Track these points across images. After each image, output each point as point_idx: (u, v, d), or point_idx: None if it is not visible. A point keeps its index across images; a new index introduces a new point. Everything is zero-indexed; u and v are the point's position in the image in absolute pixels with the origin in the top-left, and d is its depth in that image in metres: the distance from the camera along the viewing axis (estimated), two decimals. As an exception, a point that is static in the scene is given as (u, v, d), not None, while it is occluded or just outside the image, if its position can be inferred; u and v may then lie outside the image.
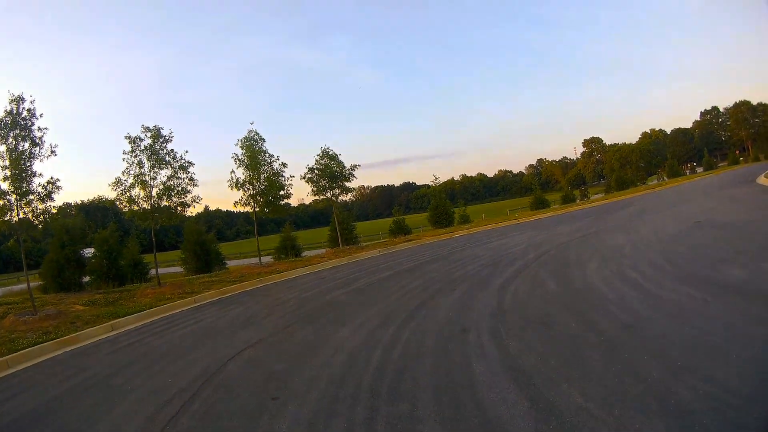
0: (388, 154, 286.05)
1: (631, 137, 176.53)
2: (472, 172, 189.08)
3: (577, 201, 49.07)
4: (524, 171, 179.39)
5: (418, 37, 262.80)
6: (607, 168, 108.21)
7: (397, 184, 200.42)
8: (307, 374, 5.85)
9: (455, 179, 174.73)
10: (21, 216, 12.81)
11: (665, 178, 69.74)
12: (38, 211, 13.05)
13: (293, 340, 7.77)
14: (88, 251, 26.36)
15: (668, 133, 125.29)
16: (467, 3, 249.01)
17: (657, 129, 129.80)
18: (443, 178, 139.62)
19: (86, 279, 21.23)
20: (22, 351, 9.45)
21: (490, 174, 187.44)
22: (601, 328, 5.99)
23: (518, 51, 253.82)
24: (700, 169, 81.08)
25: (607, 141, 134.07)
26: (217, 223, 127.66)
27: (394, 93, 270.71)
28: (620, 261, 10.47)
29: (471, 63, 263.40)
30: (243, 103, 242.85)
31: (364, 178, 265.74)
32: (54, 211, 13.67)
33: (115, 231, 25.43)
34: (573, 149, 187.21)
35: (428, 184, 42.96)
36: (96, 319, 12.12)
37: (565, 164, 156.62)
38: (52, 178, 13.33)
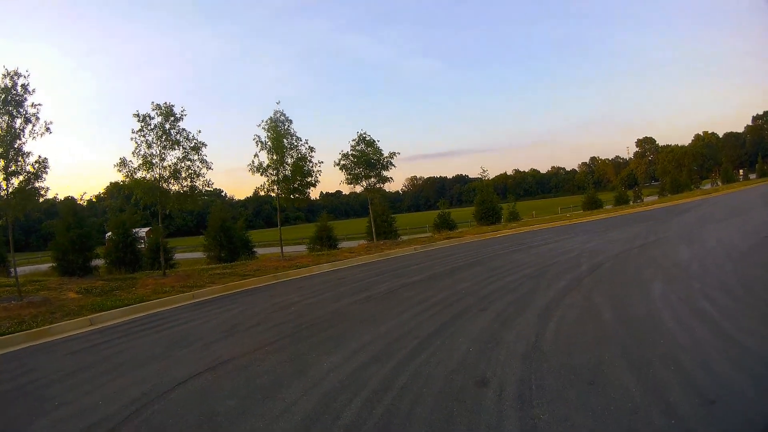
0: (442, 145, 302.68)
1: (682, 139, 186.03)
2: (525, 167, 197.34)
3: (630, 203, 49.69)
4: (577, 168, 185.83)
5: (473, 30, 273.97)
6: (659, 169, 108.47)
7: (449, 176, 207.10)
8: (250, 426, 4.98)
9: (507, 174, 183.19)
10: (7, 196, 12.83)
11: (719, 183, 72.32)
12: (27, 191, 13.09)
13: (264, 367, 6.91)
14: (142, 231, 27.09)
15: (720, 136, 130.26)
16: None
17: (709, 132, 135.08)
18: (496, 173, 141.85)
19: (99, 263, 21.65)
20: (-14, 341, 9.42)
21: (543, 170, 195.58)
22: (673, 400, 4.61)
23: (572, 46, 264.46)
24: (753, 176, 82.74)
25: (660, 142, 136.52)
26: (265, 208, 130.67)
27: (449, 84, 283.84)
28: (688, 283, 9.62)
29: (526, 57, 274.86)
30: (289, 90, 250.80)
31: (417, 169, 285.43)
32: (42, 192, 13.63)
33: (134, 214, 25.95)
34: (626, 149, 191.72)
35: (480, 177, 42.30)
36: (79, 310, 12.00)
37: (617, 163, 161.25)
38: (40, 157, 13.33)
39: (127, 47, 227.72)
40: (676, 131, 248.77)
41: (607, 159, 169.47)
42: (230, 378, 6.60)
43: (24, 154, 13.03)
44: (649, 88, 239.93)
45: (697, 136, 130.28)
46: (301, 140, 22.28)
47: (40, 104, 13.31)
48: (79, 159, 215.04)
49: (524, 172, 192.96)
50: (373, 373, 6.10)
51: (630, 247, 15.74)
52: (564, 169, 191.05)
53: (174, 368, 7.23)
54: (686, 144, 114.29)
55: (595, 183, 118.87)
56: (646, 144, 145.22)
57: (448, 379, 5.67)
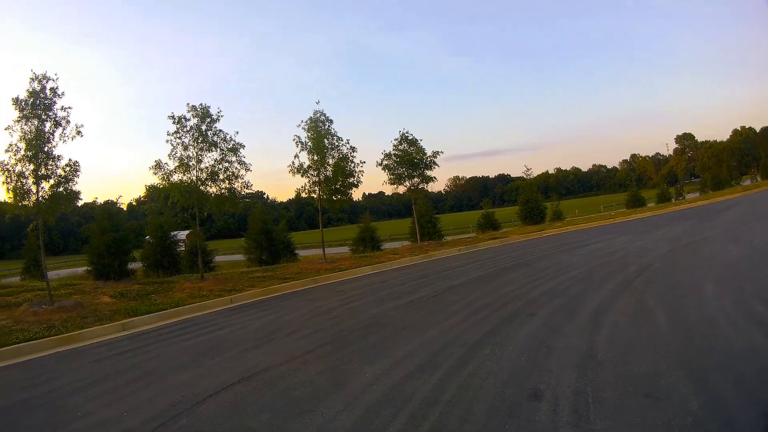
0: (484, 144, 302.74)
1: (721, 134, 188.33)
2: (566, 166, 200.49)
3: (673, 200, 50.94)
4: (618, 166, 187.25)
5: (512, 27, 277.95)
6: (699, 166, 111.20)
7: (492, 175, 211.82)
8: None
9: (549, 172, 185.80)
10: (39, 200, 12.96)
11: (758, 178, 73.70)
12: (57, 195, 13.20)
13: (301, 378, 6.54)
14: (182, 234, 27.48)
15: (757, 131, 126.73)
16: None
17: (747, 127, 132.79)
18: (537, 171, 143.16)
19: (136, 266, 21.85)
20: (11, 347, 9.52)
21: (585, 168, 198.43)
22: (735, 416, 4.32)
23: (611, 42, 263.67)
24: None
25: (699, 137, 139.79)
26: (308, 210, 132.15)
27: (489, 82, 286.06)
28: (740, 285, 9.47)
29: (567, 53, 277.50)
30: (328, 90, 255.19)
31: (460, 169, 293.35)
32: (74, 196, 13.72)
33: (174, 216, 26.25)
34: (665, 145, 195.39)
35: (522, 177, 42.24)
36: (113, 315, 11.98)
37: (657, 160, 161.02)
38: (70, 160, 13.49)
39: (163, 53, 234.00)
40: (715, 127, 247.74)
41: (647, 156, 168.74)
42: (265, 389, 6.25)
43: (54, 157, 13.15)
44: (687, 83, 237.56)
45: (735, 131, 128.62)
46: (342, 140, 22.20)
47: (70, 107, 13.49)
48: (121, 162, 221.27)
49: (566, 170, 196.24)
50: (418, 386, 5.73)
51: (676, 247, 15.79)
52: (605, 167, 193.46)
53: (206, 378, 6.95)
54: (725, 140, 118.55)
55: (636, 180, 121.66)
56: (685, 140, 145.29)
57: (498, 391, 5.31)
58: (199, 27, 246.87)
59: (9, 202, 12.83)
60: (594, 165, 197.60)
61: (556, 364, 6.01)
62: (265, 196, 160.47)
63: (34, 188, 12.86)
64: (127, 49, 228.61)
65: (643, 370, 5.53)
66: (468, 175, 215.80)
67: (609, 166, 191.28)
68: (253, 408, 5.64)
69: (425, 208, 30.69)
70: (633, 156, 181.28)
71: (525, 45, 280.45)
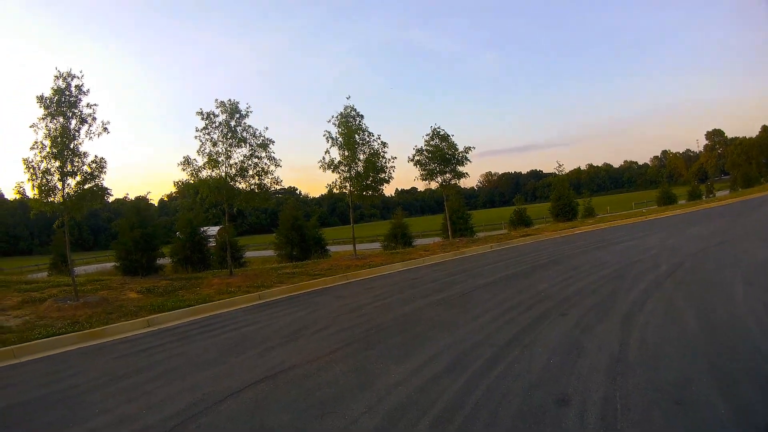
0: (516, 140, 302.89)
1: (750, 130, 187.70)
2: (598, 162, 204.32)
3: (703, 197, 51.94)
4: (649, 162, 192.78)
5: (543, 22, 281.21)
6: (729, 163, 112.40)
7: (524, 171, 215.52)
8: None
9: (581, 168, 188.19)
10: (65, 197, 13.13)
11: None
12: (84, 191, 13.37)
13: (326, 377, 6.47)
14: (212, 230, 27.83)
15: None
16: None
17: None
18: (569, 167, 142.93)
19: (166, 261, 22.10)
20: (35, 341, 9.63)
21: (616, 164, 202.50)
22: (764, 423, 4.35)
23: (643, 36, 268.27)
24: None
25: (729, 133, 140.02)
26: (340, 205, 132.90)
27: (520, 78, 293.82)
28: None
29: (597, 49, 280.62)
30: (355, 87, 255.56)
31: (492, 165, 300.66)
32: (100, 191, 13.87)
33: (205, 212, 26.46)
34: (695, 141, 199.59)
35: (554, 173, 42.17)
36: (138, 310, 12.05)
37: (688, 157, 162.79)
38: (96, 157, 13.64)
39: (192, 50, 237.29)
40: (746, 122, 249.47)
41: (678, 152, 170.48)
42: (288, 389, 6.17)
43: (80, 154, 13.32)
44: (718, 78, 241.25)
45: (764, 127, 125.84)
46: (373, 135, 21.99)
47: (95, 104, 13.65)
48: (154, 159, 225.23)
49: (597, 166, 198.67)
50: (444, 387, 5.71)
51: (707, 246, 15.91)
52: (636, 163, 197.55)
53: (229, 376, 6.91)
54: (754, 136, 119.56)
55: (667, 177, 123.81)
56: (715, 136, 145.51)
57: (526, 396, 5.28)
58: (231, 25, 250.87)
59: (35, 198, 12.97)
60: (625, 161, 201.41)
61: (585, 367, 5.98)
62: (297, 191, 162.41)
63: (59, 185, 13.05)
64: (158, 47, 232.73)
65: (672, 375, 5.51)
66: (500, 171, 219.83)
67: (640, 162, 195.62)
68: (275, 408, 5.57)
69: (457, 204, 30.78)
70: (664, 152, 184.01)
71: (556, 40, 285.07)
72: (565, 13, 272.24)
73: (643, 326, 7.56)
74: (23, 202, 13.61)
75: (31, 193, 13.09)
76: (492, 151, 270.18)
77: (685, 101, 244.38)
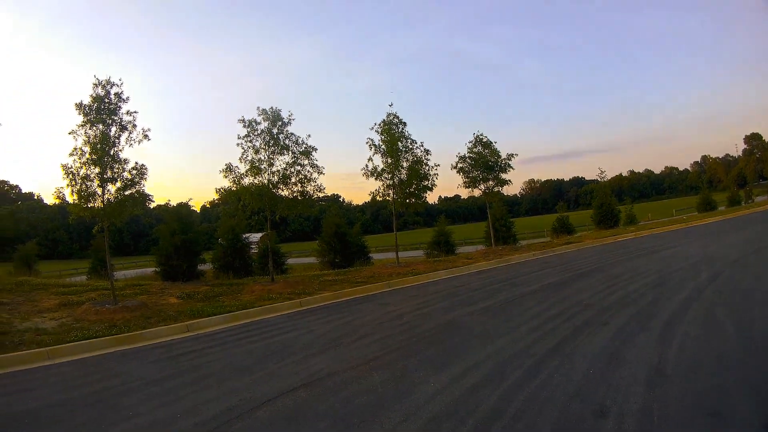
0: (558, 147, 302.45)
1: None
2: (639, 168, 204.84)
3: (742, 203, 52.79)
4: (689, 168, 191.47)
5: (584, 28, 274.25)
6: (767, 167, 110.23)
7: (566, 178, 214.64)
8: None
9: (623, 175, 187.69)
10: (105, 202, 13.40)
11: None
12: (125, 197, 13.62)
13: (365, 385, 6.40)
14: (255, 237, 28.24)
15: None
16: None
17: None
18: (611, 174, 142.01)
19: (207, 267, 22.38)
20: (71, 344, 9.78)
21: (657, 170, 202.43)
22: None
23: (682, 41, 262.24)
24: None
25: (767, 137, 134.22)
26: (383, 213, 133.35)
27: (562, 84, 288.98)
28: None
29: (637, 54, 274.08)
30: (398, 96, 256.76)
31: (534, 172, 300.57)
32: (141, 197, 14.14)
33: (249, 218, 26.77)
34: (734, 146, 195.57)
35: (596, 179, 42.17)
36: (177, 315, 12.18)
37: (727, 162, 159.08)
38: (137, 164, 13.89)
39: (235, 57, 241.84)
40: None
41: (718, 157, 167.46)
42: (326, 396, 6.11)
43: (120, 161, 13.59)
44: (757, 81, 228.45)
45: None
46: (416, 143, 21.99)
47: (135, 111, 13.93)
48: (197, 166, 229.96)
49: (639, 172, 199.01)
50: (483, 397, 5.68)
51: (746, 253, 16.13)
52: (677, 169, 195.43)
53: (266, 382, 6.89)
54: None
55: (707, 183, 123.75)
56: (753, 140, 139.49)
57: (564, 406, 5.25)
58: (275, 32, 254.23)
59: (74, 203, 13.28)
60: (666, 167, 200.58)
61: (625, 378, 5.96)
62: (341, 199, 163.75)
63: (99, 191, 13.33)
64: (199, 55, 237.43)
65: (710, 387, 5.51)
66: (543, 178, 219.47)
67: (681, 168, 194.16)
68: (312, 415, 5.51)
69: (500, 212, 30.87)
70: (704, 157, 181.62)
71: (594, 47, 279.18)
72: (606, 20, 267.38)
73: (683, 336, 7.56)
74: (62, 206, 13.91)
75: (70, 198, 13.41)
76: (535, 158, 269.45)
77: (725, 105, 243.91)
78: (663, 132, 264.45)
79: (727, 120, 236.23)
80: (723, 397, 5.13)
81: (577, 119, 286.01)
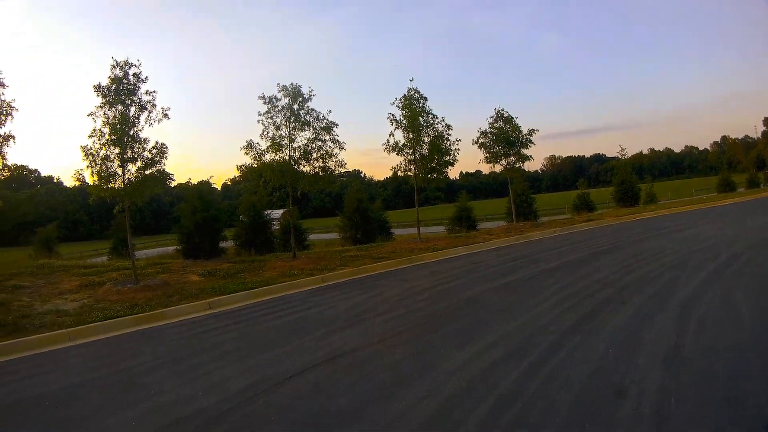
0: (579, 123, 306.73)
1: None
2: (659, 146, 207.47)
3: (761, 185, 52.04)
4: (709, 148, 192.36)
5: (605, 4, 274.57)
6: None
7: (587, 155, 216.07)
8: (367, 429, 4.59)
9: (643, 153, 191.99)
10: (126, 182, 13.51)
11: None
12: (145, 177, 13.74)
13: (386, 361, 6.48)
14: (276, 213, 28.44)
15: None
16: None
17: None
18: (632, 152, 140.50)
19: (228, 245, 22.52)
20: (92, 324, 9.86)
21: (677, 149, 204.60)
22: None
23: (703, 22, 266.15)
24: None
25: None
26: (405, 188, 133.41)
27: (583, 60, 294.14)
28: None
29: (659, 32, 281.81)
30: (419, 72, 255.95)
31: (555, 148, 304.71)
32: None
33: (270, 195, 26.81)
34: (753, 127, 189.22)
35: (617, 157, 42.00)
36: (199, 293, 12.27)
37: (746, 143, 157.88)
38: (157, 143, 13.98)
39: (253, 35, 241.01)
40: None
41: (737, 138, 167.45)
42: (348, 372, 6.16)
43: (140, 140, 13.67)
44: None
45: None
46: (437, 118, 21.99)
47: (155, 91, 13.97)
48: (217, 143, 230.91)
49: (659, 151, 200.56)
50: (504, 374, 5.73)
51: (765, 236, 16.00)
52: (697, 148, 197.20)
53: (289, 358, 6.94)
54: None
55: (726, 163, 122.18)
56: None
57: (584, 385, 5.29)
58: (292, 11, 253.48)
59: (94, 185, 13.41)
60: (686, 146, 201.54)
61: (644, 356, 6.00)
62: (362, 174, 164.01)
63: (119, 171, 13.43)
64: (218, 33, 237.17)
65: (726, 370, 5.46)
66: (564, 155, 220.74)
67: (701, 148, 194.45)
68: (334, 391, 5.55)
69: (521, 188, 30.69)
70: (724, 138, 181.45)
71: (617, 23, 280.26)
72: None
73: (701, 317, 7.53)
74: (82, 188, 14.05)
75: (90, 179, 13.52)
76: (556, 134, 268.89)
77: (745, 85, 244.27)
78: (684, 111, 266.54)
79: (748, 101, 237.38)
80: (738, 381, 5.12)
81: (598, 95, 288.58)
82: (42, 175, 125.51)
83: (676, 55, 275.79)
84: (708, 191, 51.38)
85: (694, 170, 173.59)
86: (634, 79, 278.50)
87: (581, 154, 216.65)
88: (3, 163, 12.77)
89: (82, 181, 13.53)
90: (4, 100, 12.65)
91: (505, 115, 25.86)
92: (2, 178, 12.82)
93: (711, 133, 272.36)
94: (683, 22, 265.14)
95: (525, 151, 25.86)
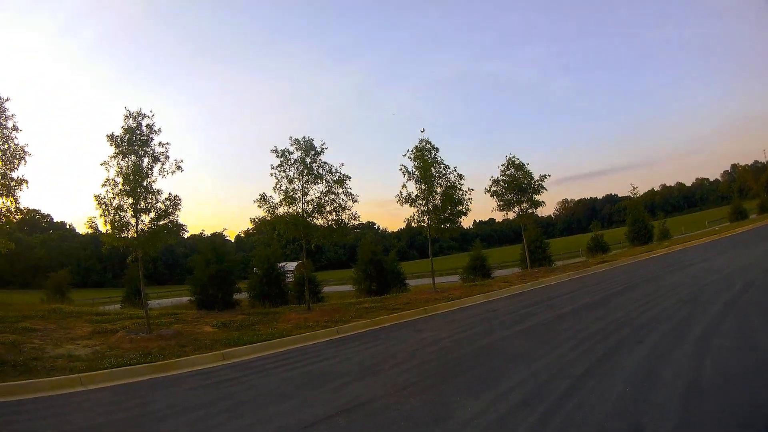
0: (591, 165, 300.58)
1: None
2: (670, 182, 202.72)
3: None
4: (720, 178, 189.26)
5: (611, 43, 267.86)
6: None
7: (599, 196, 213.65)
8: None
9: (655, 189, 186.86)
10: (139, 232, 13.68)
11: None
12: (159, 228, 13.91)
13: (402, 411, 6.35)
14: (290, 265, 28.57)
15: None
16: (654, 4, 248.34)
17: None
18: (643, 189, 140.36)
19: (242, 296, 22.56)
20: (104, 371, 9.84)
21: (688, 182, 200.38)
22: None
23: (707, 51, 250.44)
24: None
25: None
26: (419, 239, 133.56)
27: (591, 102, 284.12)
28: None
29: (663, 64, 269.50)
30: (431, 119, 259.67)
31: (568, 191, 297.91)
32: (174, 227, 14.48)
33: (284, 247, 26.94)
34: (762, 152, 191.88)
35: (629, 196, 42.40)
36: (213, 344, 12.27)
37: (756, 169, 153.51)
38: (170, 194, 14.19)
39: (264, 88, 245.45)
40: None
41: (746, 165, 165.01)
42: (363, 423, 6.09)
43: (154, 191, 13.90)
44: None
45: None
46: (449, 168, 22.24)
47: (168, 143, 14.31)
48: (231, 196, 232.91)
49: (670, 186, 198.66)
50: (520, 420, 5.66)
51: None
52: (707, 179, 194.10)
53: (303, 410, 6.87)
54: None
55: (738, 191, 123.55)
56: None
57: (601, 427, 5.24)
58: (306, 64, 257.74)
59: (107, 233, 13.60)
60: (697, 178, 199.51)
61: (661, 395, 5.97)
62: (375, 226, 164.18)
63: (133, 221, 13.62)
64: (231, 83, 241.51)
65: (745, 401, 5.52)
66: (576, 197, 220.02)
67: (711, 179, 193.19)
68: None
69: (535, 234, 30.88)
70: (733, 166, 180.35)
71: (624, 60, 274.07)
72: (631, 33, 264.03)
73: (717, 350, 7.65)
74: (95, 235, 14.23)
75: (103, 228, 13.69)
76: (568, 177, 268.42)
77: (752, 111, 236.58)
78: (692, 143, 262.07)
79: (756, 124, 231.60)
80: (757, 412, 5.16)
81: (607, 136, 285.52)
82: (55, 220, 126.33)
83: (682, 88, 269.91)
84: (721, 222, 52.25)
85: (706, 202, 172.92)
86: (643, 118, 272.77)
87: (593, 196, 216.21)
88: (16, 206, 12.92)
89: (95, 228, 13.62)
90: (18, 144, 12.94)
91: (517, 162, 26.07)
92: (15, 221, 12.91)
93: (721, 162, 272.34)
94: (685, 52, 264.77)
95: (537, 197, 25.94)
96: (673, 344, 8.27)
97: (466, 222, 26.01)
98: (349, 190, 18.34)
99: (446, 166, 22.06)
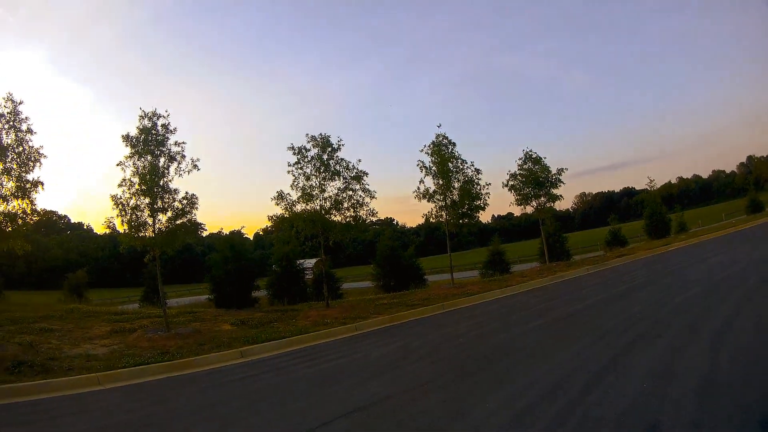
0: (608, 158, 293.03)
1: None
2: (687, 174, 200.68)
3: None
4: (736, 170, 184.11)
5: (626, 35, 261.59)
6: None
7: (617, 189, 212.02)
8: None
9: (672, 182, 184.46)
10: (156, 232, 13.80)
11: None
12: (176, 226, 14.02)
13: (420, 407, 6.33)
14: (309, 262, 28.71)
15: None
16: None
17: None
18: (660, 182, 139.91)
19: (261, 294, 22.66)
20: (122, 370, 9.95)
21: (705, 175, 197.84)
22: None
23: (719, 42, 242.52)
24: None
25: None
26: (437, 234, 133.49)
27: (607, 94, 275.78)
28: None
29: (677, 58, 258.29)
30: (448, 115, 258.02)
31: (585, 185, 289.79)
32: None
33: (302, 245, 27.02)
34: None
35: (646, 189, 41.81)
36: (231, 342, 12.33)
37: None
38: (187, 193, 14.29)
39: (281, 85, 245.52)
40: None
41: (762, 156, 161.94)
42: (381, 420, 6.06)
43: (171, 191, 14.02)
44: None
45: None
46: (466, 163, 22.13)
47: (184, 142, 14.41)
48: (251, 194, 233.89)
49: (687, 178, 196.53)
50: (538, 417, 5.61)
51: None
52: (724, 171, 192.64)
53: (321, 406, 6.88)
54: None
55: (754, 183, 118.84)
56: None
57: (618, 423, 5.18)
58: (322, 60, 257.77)
59: (125, 233, 13.74)
60: (714, 170, 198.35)
61: (678, 389, 5.96)
62: (394, 222, 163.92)
63: (150, 221, 13.74)
64: (248, 80, 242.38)
65: (761, 396, 5.48)
66: (594, 191, 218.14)
67: (728, 171, 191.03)
68: (365, 439, 5.43)
69: (553, 228, 30.87)
70: (749, 158, 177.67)
71: (639, 52, 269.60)
72: (646, 25, 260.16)
73: (733, 344, 7.62)
74: (112, 235, 14.34)
75: (120, 228, 13.82)
76: (585, 170, 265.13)
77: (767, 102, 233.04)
78: (709, 135, 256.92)
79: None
80: None
81: (625, 129, 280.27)
82: (72, 221, 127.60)
83: (699, 79, 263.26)
84: (737, 214, 52.34)
85: (722, 194, 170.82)
86: (660, 109, 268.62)
87: (611, 189, 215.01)
88: (32, 208, 13.03)
89: (113, 228, 13.74)
90: (33, 147, 13.04)
91: (534, 156, 26.06)
92: (31, 222, 13.02)
93: (737, 154, 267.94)
94: (702, 44, 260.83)
95: (555, 191, 25.97)
96: (690, 339, 8.23)
97: (485, 217, 26.11)
98: (367, 187, 18.45)
99: (463, 161, 21.98)
